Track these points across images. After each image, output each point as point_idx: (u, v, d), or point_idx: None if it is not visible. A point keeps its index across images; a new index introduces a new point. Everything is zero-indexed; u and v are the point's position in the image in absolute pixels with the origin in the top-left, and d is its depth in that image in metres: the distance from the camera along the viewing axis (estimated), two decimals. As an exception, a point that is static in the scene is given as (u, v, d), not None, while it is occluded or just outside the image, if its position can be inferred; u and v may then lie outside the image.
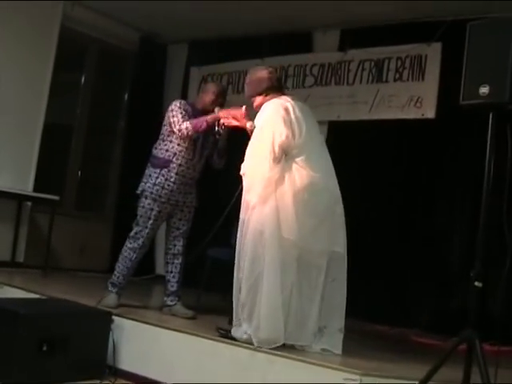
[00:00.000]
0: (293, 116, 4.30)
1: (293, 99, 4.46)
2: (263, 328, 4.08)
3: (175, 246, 5.29)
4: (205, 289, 6.04)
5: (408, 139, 6.69)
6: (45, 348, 4.16)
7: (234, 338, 4.19)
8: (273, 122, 4.27)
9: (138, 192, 5.23)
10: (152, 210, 5.15)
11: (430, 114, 6.59)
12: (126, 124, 8.55)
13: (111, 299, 5.07)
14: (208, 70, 8.47)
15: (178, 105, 5.20)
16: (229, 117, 4.86)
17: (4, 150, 7.08)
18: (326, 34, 7.50)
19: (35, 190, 7.34)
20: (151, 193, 5.14)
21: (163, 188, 5.14)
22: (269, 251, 4.12)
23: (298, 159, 4.25)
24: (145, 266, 5.61)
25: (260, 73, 4.56)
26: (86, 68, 8.33)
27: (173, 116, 5.15)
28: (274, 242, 4.12)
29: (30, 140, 7.39)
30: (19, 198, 7.21)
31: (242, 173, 4.38)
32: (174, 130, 5.11)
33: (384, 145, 6.81)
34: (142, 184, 5.23)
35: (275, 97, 4.46)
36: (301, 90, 7.42)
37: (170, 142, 5.18)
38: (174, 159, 5.16)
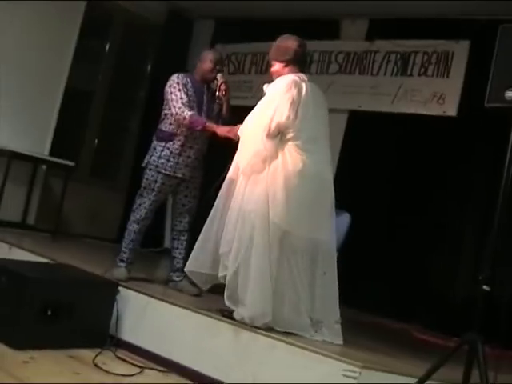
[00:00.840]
0: (303, 98, 4.26)
1: (309, 80, 4.43)
2: (253, 306, 4.07)
3: (181, 222, 5.28)
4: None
5: (427, 135, 6.63)
6: (49, 313, 4.18)
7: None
8: (280, 98, 4.22)
9: (143, 165, 5.23)
10: (156, 181, 5.14)
11: (452, 111, 6.55)
12: (146, 96, 8.53)
13: (121, 272, 5.07)
14: (232, 48, 8.43)
15: (177, 80, 5.16)
16: (224, 131, 4.84)
17: (23, 112, 7.10)
18: (354, 22, 7.44)
19: (51, 154, 7.36)
20: (156, 166, 5.13)
21: (168, 161, 5.13)
22: (258, 232, 4.11)
23: (294, 142, 4.22)
24: (154, 238, 5.62)
25: (289, 42, 4.47)
26: (112, 37, 8.31)
27: (171, 93, 5.12)
28: (263, 223, 4.11)
29: (51, 104, 7.40)
30: (35, 161, 7.23)
31: (239, 132, 4.41)
32: (172, 110, 5.08)
33: (403, 139, 6.77)
34: (147, 157, 5.22)
35: (294, 71, 4.41)
36: (324, 77, 7.37)
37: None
38: (178, 131, 5.14)
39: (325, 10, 7.31)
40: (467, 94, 6.43)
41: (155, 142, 5.23)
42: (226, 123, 5.22)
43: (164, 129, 5.19)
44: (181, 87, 5.12)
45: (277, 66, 4.48)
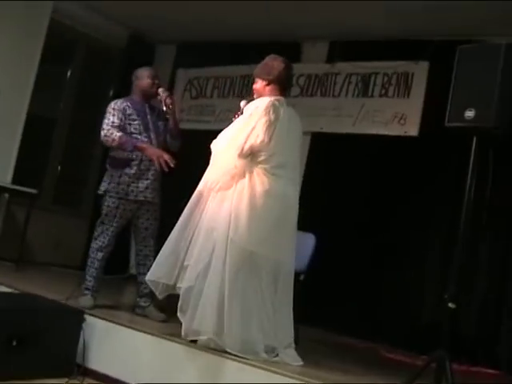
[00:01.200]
0: (280, 123, 4.29)
1: (287, 104, 4.46)
2: (198, 319, 4.06)
3: (146, 246, 5.25)
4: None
5: (390, 156, 6.70)
6: (14, 343, 4.13)
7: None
8: (257, 121, 4.24)
9: (101, 192, 5.22)
10: (117, 208, 5.13)
11: (413, 131, 6.63)
12: (109, 121, 8.50)
13: (87, 300, 5.03)
14: (194, 72, 8.48)
15: (113, 106, 5.19)
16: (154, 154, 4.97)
17: (-16, 140, 7.03)
18: (315, 45, 7.52)
19: (13, 181, 7.28)
20: (116, 192, 5.12)
21: (128, 186, 5.12)
22: (217, 249, 4.12)
23: (264, 165, 4.24)
24: (118, 265, 5.58)
25: (276, 62, 4.50)
26: (73, 62, 8.29)
27: (104, 118, 5.16)
28: (223, 242, 4.11)
29: (12, 131, 7.33)
30: (-3, 189, 7.15)
31: (211, 146, 4.41)
32: (101, 133, 5.10)
33: (365, 159, 6.82)
34: (105, 184, 5.20)
35: (274, 92, 4.44)
36: (286, 100, 7.42)
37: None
38: (134, 156, 5.12)
39: (286, 34, 7.35)
40: (428, 113, 6.51)
41: (110, 169, 5.21)
42: (175, 137, 5.25)
43: (118, 156, 5.16)
44: (115, 112, 5.14)
45: (259, 84, 4.51)
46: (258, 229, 4.16)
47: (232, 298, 4.05)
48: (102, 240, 5.15)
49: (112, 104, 5.21)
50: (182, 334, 4.15)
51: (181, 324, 4.16)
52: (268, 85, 4.46)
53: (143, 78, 5.29)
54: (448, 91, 3.90)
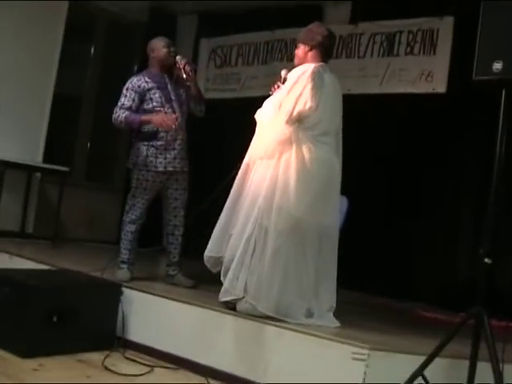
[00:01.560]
0: (326, 89, 4.29)
1: (331, 72, 4.45)
2: (261, 295, 4.09)
3: (176, 216, 5.28)
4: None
5: (419, 114, 6.62)
6: (55, 319, 4.19)
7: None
8: (304, 87, 4.22)
9: (130, 166, 5.26)
10: (147, 180, 5.16)
11: (441, 88, 6.55)
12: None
13: (124, 274, 5.09)
14: (218, 41, 8.44)
15: (127, 85, 5.23)
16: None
17: (14, 121, 7.09)
18: (336, 5, 7.43)
19: (45, 160, 7.36)
20: (145, 165, 5.15)
21: (156, 157, 5.15)
22: (263, 216, 4.15)
23: (310, 132, 4.24)
24: (152, 237, 5.63)
25: (320, 29, 4.51)
26: (96, 39, 8.32)
27: (121, 95, 5.21)
28: (269, 210, 4.14)
29: (40, 110, 7.39)
30: (29, 169, 7.23)
31: (255, 116, 4.41)
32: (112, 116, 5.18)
33: (394, 119, 6.76)
34: (134, 158, 5.24)
35: (316, 58, 4.43)
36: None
37: (150, 112, 5.16)
38: (159, 129, 5.14)
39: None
40: (455, 70, 6.41)
41: (138, 143, 5.23)
42: (199, 102, 5.26)
43: (144, 129, 5.18)
44: (128, 93, 5.18)
45: (301, 49, 4.50)
46: (306, 195, 4.18)
47: (274, 263, 4.09)
48: (133, 213, 5.20)
49: (127, 83, 5.24)
50: (219, 296, 4.20)
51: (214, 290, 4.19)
52: (310, 50, 4.45)
53: (159, 49, 5.30)
54: (475, 46, 3.85)
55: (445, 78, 6.52)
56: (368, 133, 6.85)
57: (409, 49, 6.86)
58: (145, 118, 5.09)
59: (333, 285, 4.29)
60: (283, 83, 4.46)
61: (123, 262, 5.19)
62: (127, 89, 5.19)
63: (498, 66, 3.62)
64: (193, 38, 8.63)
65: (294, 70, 4.43)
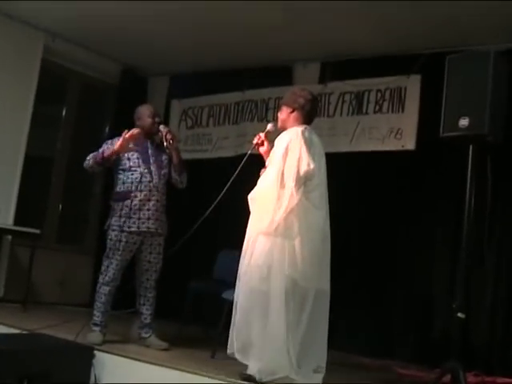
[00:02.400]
0: (315, 150, 4.36)
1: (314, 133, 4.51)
2: (269, 360, 4.09)
3: (148, 280, 5.29)
4: (186, 322, 6.02)
5: (388, 171, 6.71)
6: (25, 383, 4.10)
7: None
8: (299, 149, 4.25)
9: (106, 228, 5.28)
10: (120, 241, 5.16)
11: (410, 145, 6.63)
12: (106, 157, 8.53)
13: (96, 336, 5.04)
14: (189, 102, 8.51)
15: (108, 141, 5.35)
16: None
17: (-16, 183, 7.04)
18: (306, 66, 7.54)
19: (16, 223, 7.29)
20: (119, 225, 5.16)
21: (130, 218, 5.16)
22: (274, 286, 4.13)
23: (310, 195, 4.27)
24: (126, 299, 5.58)
25: (303, 92, 4.60)
26: (68, 101, 8.34)
27: None
28: (280, 277, 4.13)
29: (11, 172, 7.34)
30: (-1, 232, 7.16)
31: (250, 197, 4.36)
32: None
33: (365, 177, 6.82)
34: (109, 219, 5.28)
35: (298, 120, 4.49)
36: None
37: (124, 171, 5.21)
38: (133, 188, 5.17)
39: (276, 57, 7.42)
40: (424, 126, 6.51)
41: (113, 203, 5.29)
42: (180, 172, 5.30)
43: (118, 190, 5.24)
44: (105, 145, 5.29)
45: (284, 112, 4.57)
46: (309, 262, 4.20)
47: (295, 333, 4.13)
48: (107, 274, 5.18)
49: (109, 140, 5.33)
50: (257, 376, 4.09)
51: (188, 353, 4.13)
52: (292, 112, 4.52)
53: (144, 118, 5.39)
54: (442, 102, 3.92)
55: (413, 135, 6.61)
56: (338, 192, 6.86)
57: (377, 107, 6.97)
58: (107, 151, 5.15)
59: (322, 348, 4.30)
60: (266, 135, 4.61)
61: (96, 325, 5.13)
62: (106, 142, 5.32)
63: (464, 122, 3.70)
64: (164, 100, 8.69)
65: (282, 135, 4.45)
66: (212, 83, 8.19)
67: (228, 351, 4.25)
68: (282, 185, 4.22)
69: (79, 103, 8.41)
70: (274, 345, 4.08)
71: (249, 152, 4.67)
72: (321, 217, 4.31)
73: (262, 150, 4.66)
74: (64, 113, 8.29)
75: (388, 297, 6.50)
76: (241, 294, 4.24)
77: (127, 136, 5.10)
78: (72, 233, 8.57)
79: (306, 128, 4.43)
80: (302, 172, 4.21)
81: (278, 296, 4.11)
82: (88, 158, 5.24)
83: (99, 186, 8.53)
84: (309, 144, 4.31)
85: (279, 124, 4.61)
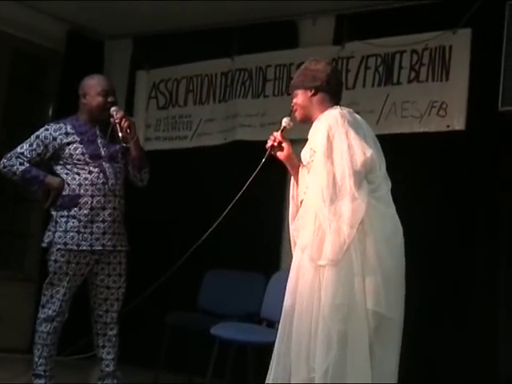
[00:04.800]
0: (364, 133, 4.31)
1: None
2: None
3: (107, 311, 5.29)
4: (163, 367, 6.02)
5: (429, 159, 6.70)
6: None
7: None
8: (347, 136, 4.19)
9: (45, 245, 5.28)
10: (68, 263, 5.17)
11: (458, 124, 6.58)
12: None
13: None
14: (160, 73, 8.49)
15: (39, 132, 5.35)
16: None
17: None
18: (316, 22, 7.54)
19: None
20: (64, 243, 5.13)
21: (79, 233, 5.13)
22: (353, 326, 4.12)
23: (378, 193, 4.24)
24: (78, 340, 5.58)
25: (320, 64, 4.54)
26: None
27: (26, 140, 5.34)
28: (359, 314, 4.12)
29: None
30: None
31: (294, 229, 4.37)
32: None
33: (396, 167, 6.77)
34: (49, 234, 5.28)
35: (326, 103, 4.45)
36: (284, 99, 7.40)
37: (69, 171, 5.18)
38: (82, 191, 5.15)
39: (277, 11, 7.40)
40: (476, 98, 6.44)
41: (55, 213, 5.24)
42: (140, 169, 5.27)
43: (62, 193, 5.18)
44: (35, 142, 5.30)
45: (302, 98, 4.50)
46: (391, 289, 4.19)
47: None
48: (50, 307, 5.18)
49: (41, 129, 5.35)
50: None
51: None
52: (315, 94, 4.46)
53: (92, 95, 5.33)
54: (500, 68, 3.89)
55: (462, 111, 6.54)
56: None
57: (413, 74, 6.93)
58: (49, 179, 5.21)
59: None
60: (282, 134, 4.52)
61: (38, 376, 5.13)
62: (37, 136, 5.29)
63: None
64: (127, 70, 8.66)
65: (315, 125, 4.40)
66: (191, 47, 8.16)
67: None
68: (337, 192, 4.14)
69: (11, 76, 8.35)
70: None
71: (263, 160, 4.56)
72: (395, 218, 4.29)
73: (282, 154, 4.56)
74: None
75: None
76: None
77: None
78: (6, 254, 8.53)
79: (342, 108, 4.40)
80: (358, 165, 4.14)
81: (361, 334, 4.12)
82: (13, 170, 5.22)
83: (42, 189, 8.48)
84: (355, 126, 4.27)
85: (299, 115, 4.53)
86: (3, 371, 5.80)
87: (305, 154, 4.42)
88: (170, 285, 7.14)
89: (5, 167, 5.21)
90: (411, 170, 6.70)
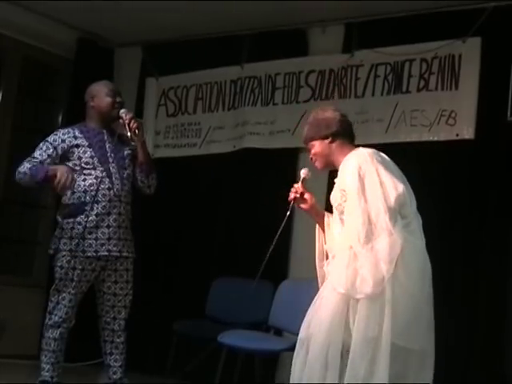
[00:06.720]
0: (391, 169, 4.34)
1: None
2: None
3: (115, 319, 5.30)
4: (171, 374, 6.01)
5: (438, 168, 6.69)
6: None
7: None
8: (376, 173, 4.21)
9: (51, 252, 5.30)
10: (74, 269, 5.17)
11: (468, 133, 6.57)
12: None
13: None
14: (169, 81, 8.49)
15: (49, 137, 5.38)
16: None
17: None
18: (325, 30, 7.54)
19: None
20: (70, 250, 5.13)
21: (84, 239, 5.13)
22: (382, 361, 4.08)
23: (410, 227, 4.24)
24: (86, 347, 5.57)
25: (328, 113, 4.58)
26: (5, 80, 8.28)
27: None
28: (387, 349, 4.08)
29: None
30: None
31: (326, 247, 4.44)
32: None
33: (407, 175, 6.75)
34: (55, 240, 5.29)
35: (345, 146, 4.47)
36: (294, 107, 7.41)
37: (77, 176, 5.19)
38: (87, 198, 5.15)
39: (286, 19, 7.41)
40: (485, 107, 6.43)
41: (61, 221, 5.26)
42: (147, 174, 5.28)
43: (68, 201, 5.23)
44: (45, 145, 5.32)
45: (319, 147, 4.51)
46: (417, 323, 4.20)
47: None
48: (57, 313, 5.18)
49: (51, 135, 5.38)
50: None
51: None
52: (333, 141, 4.48)
53: (101, 97, 5.37)
54: (510, 74, 3.88)
55: (472, 120, 6.54)
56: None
57: (422, 83, 6.93)
58: (52, 168, 5.15)
59: None
60: (303, 185, 4.56)
61: (45, 383, 5.13)
62: (46, 141, 5.30)
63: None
64: (136, 78, 8.67)
65: (342, 166, 4.40)
66: (200, 55, 8.16)
67: None
68: (373, 229, 4.14)
69: (21, 84, 8.36)
70: None
71: (287, 213, 4.57)
72: (425, 251, 4.29)
73: (305, 205, 4.60)
74: (1, 97, 8.24)
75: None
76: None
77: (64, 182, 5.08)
78: (14, 261, 8.52)
79: (364, 149, 4.40)
80: (392, 201, 4.15)
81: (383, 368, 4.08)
82: (22, 171, 5.23)
83: (51, 196, 8.45)
84: (384, 163, 4.30)
85: (320, 164, 4.54)
86: (11, 377, 5.78)
87: (335, 196, 4.42)
88: (177, 291, 7.20)
89: (18, 173, 5.23)
90: (420, 178, 6.67)
